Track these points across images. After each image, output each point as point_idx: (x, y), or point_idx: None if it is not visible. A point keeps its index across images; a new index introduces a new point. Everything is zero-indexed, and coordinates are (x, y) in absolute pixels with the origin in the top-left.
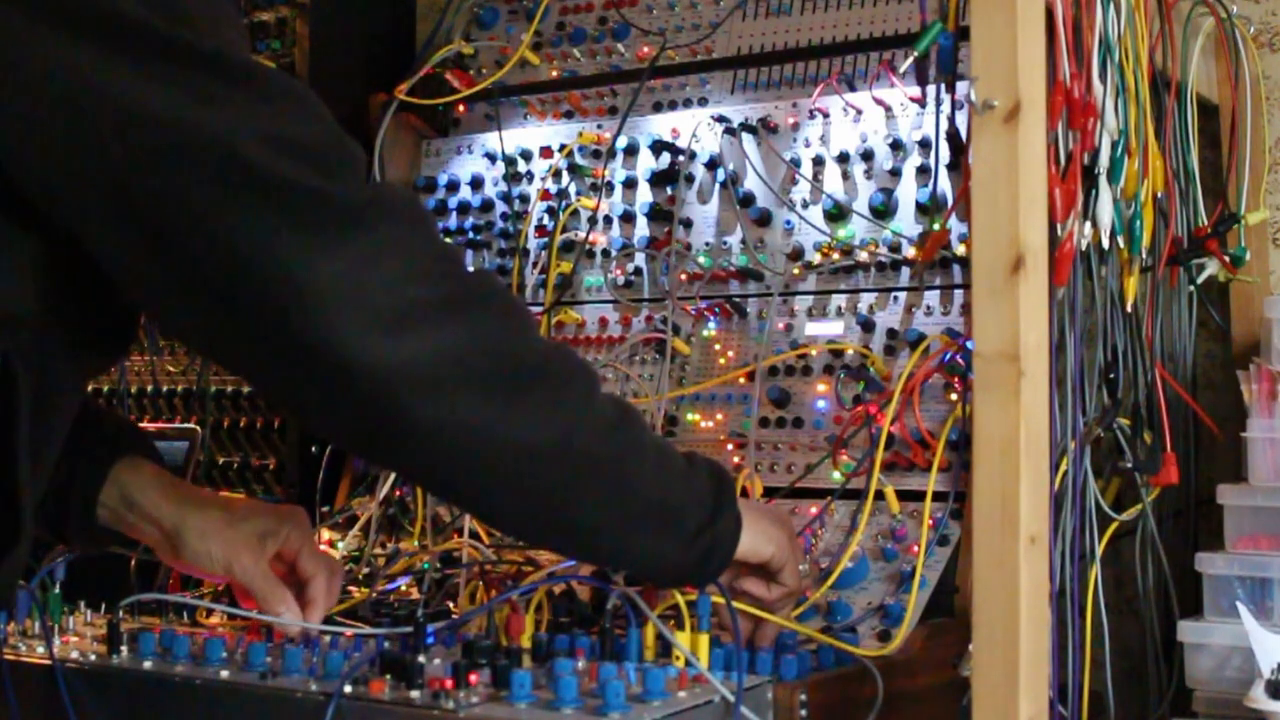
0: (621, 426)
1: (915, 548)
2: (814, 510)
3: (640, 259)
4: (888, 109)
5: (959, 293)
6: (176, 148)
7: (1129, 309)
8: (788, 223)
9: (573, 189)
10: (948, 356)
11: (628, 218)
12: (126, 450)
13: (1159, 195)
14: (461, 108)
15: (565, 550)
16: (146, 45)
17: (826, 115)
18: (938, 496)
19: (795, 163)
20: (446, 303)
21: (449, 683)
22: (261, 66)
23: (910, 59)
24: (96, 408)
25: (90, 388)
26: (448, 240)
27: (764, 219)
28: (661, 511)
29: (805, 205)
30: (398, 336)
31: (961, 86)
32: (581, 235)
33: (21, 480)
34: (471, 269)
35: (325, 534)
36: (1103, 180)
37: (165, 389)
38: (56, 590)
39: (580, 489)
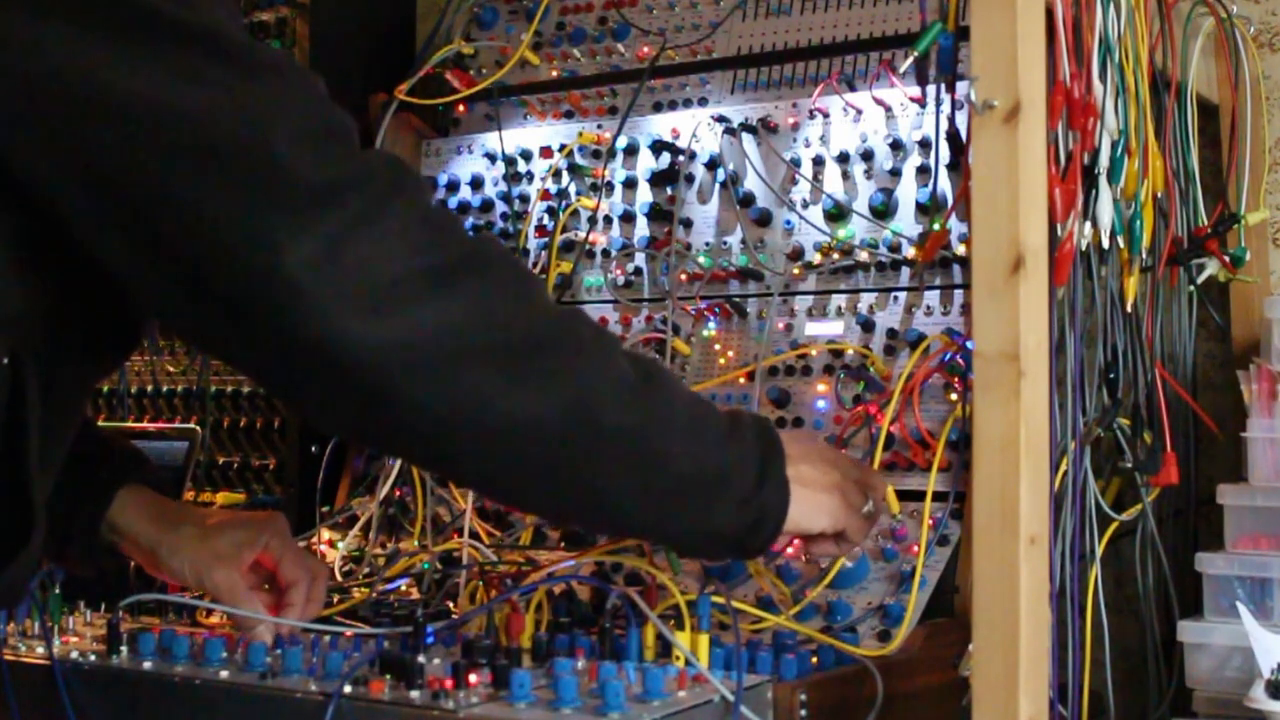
0: (646, 391)
1: (915, 548)
2: None
3: (640, 259)
4: (888, 109)
5: (959, 293)
6: (152, 125)
7: (1129, 309)
8: (788, 223)
9: (573, 189)
10: (948, 356)
11: (628, 218)
12: (128, 479)
13: (1159, 195)
14: (461, 108)
15: (599, 529)
16: (129, 21)
17: (826, 115)
18: (938, 496)
19: (795, 163)
20: (435, 274)
21: (449, 683)
22: (250, 42)
23: (910, 59)
24: (102, 434)
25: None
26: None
27: (764, 219)
28: (698, 482)
29: (805, 205)
30: (382, 316)
31: (961, 86)
32: (581, 235)
33: (32, 478)
34: (470, 233)
35: (325, 534)
36: (1103, 180)
37: (165, 389)
38: (56, 590)
39: (601, 463)
